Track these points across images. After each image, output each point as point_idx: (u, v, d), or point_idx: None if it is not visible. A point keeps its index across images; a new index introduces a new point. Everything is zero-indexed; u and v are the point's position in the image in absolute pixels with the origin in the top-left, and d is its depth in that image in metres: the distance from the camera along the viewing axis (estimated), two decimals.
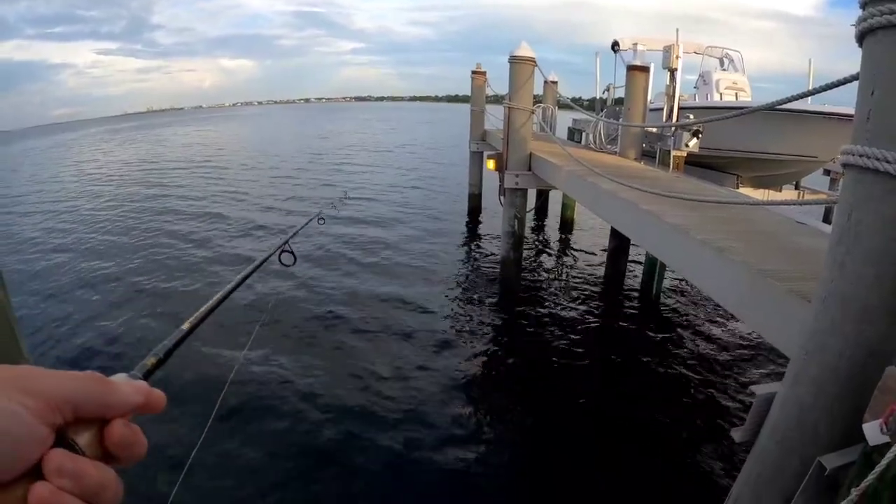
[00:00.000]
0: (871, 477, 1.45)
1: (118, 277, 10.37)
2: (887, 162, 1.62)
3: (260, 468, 4.85)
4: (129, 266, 11.05)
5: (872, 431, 1.51)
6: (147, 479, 4.01)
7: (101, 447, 0.45)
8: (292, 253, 2.01)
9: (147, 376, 0.61)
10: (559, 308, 8.89)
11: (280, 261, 1.96)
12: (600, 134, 11.02)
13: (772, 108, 4.20)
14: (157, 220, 15.69)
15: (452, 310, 8.75)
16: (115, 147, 50.62)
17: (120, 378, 0.52)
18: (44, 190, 22.91)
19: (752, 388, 2.32)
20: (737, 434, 2.37)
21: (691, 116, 8.70)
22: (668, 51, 9.04)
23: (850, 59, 2.04)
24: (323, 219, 3.21)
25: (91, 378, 0.46)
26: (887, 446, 1.44)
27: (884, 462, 1.42)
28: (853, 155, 1.73)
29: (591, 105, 15.55)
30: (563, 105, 13.62)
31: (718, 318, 8.34)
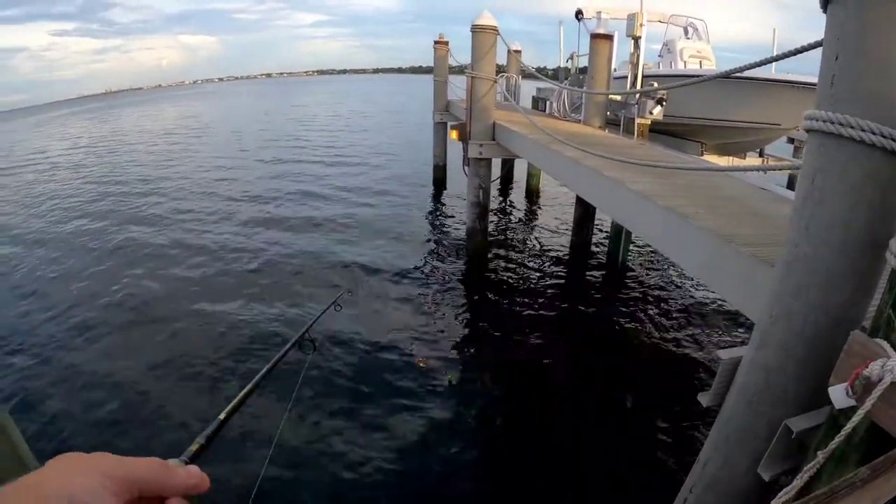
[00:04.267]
0: (837, 440, 1.47)
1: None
2: (851, 127, 1.62)
3: None
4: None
5: (838, 395, 1.53)
6: None
7: None
8: (312, 341, 2.01)
9: (194, 460, 0.71)
10: (527, 277, 8.94)
11: (300, 349, 1.97)
12: (564, 103, 10.99)
13: (734, 76, 4.21)
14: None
15: (419, 281, 8.76)
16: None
17: (174, 462, 0.63)
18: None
19: (718, 352, 2.35)
20: (704, 398, 2.40)
21: (655, 85, 8.71)
22: (631, 19, 9.00)
23: (815, 30, 2.05)
24: (340, 306, 3.08)
25: (155, 463, 0.56)
26: (853, 410, 1.46)
27: (849, 425, 1.44)
28: (817, 120, 1.73)
29: (556, 74, 15.51)
30: (527, 74, 13.52)
31: (684, 284, 8.46)
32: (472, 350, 6.86)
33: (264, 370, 1.30)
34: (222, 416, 0.97)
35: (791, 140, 12.66)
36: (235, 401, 1.05)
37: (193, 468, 0.61)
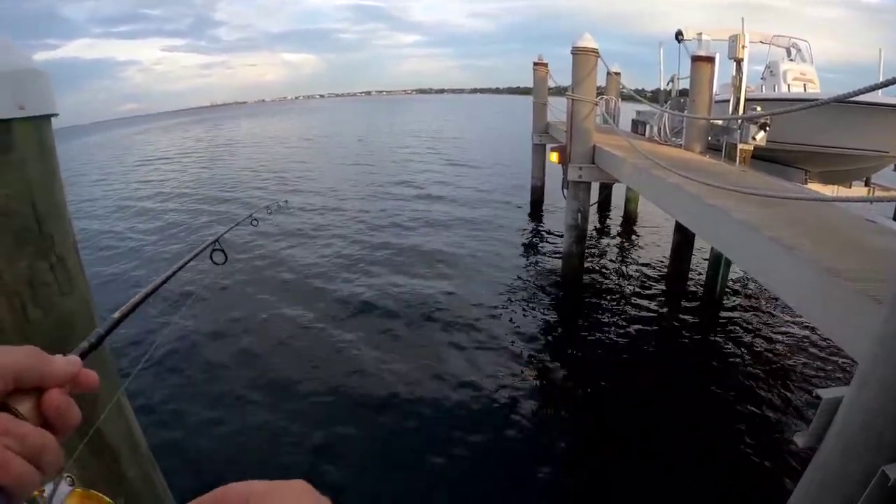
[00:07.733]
0: None
1: None
2: None
3: None
4: None
5: None
6: None
7: (39, 416, 0.50)
8: (223, 251, 2.10)
9: (82, 357, 0.64)
10: (622, 304, 8.80)
11: (211, 259, 2.06)
12: (665, 126, 10.80)
13: (842, 101, 4.06)
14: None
15: (512, 304, 8.76)
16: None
17: (57, 358, 0.56)
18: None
19: (818, 391, 2.26)
20: (800, 438, 2.31)
21: (758, 108, 8.44)
22: (733, 41, 8.76)
23: None
24: (256, 220, 3.43)
25: (31, 351, 0.51)
26: None
27: None
28: None
29: (655, 97, 15.25)
30: (626, 97, 13.36)
31: (785, 318, 8.09)
32: (559, 376, 6.78)
33: (165, 275, 1.34)
34: (116, 315, 0.95)
35: None
36: (131, 302, 1.03)
37: (74, 358, 0.56)
